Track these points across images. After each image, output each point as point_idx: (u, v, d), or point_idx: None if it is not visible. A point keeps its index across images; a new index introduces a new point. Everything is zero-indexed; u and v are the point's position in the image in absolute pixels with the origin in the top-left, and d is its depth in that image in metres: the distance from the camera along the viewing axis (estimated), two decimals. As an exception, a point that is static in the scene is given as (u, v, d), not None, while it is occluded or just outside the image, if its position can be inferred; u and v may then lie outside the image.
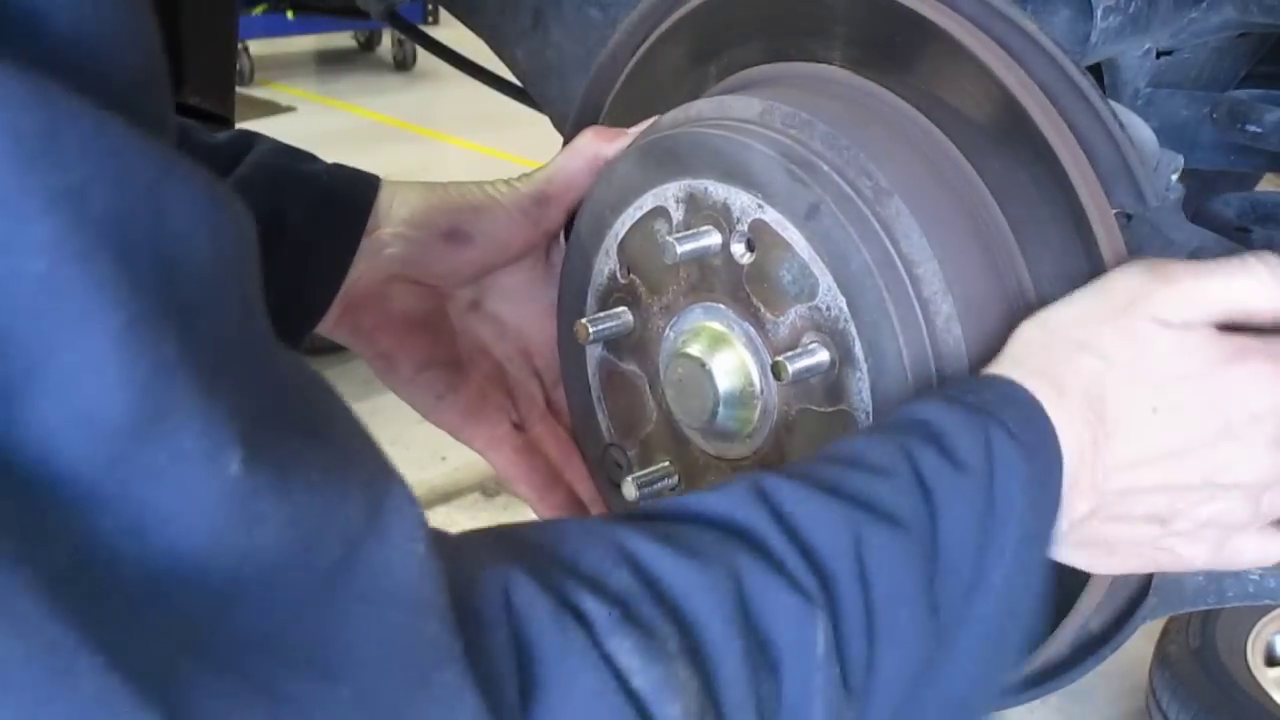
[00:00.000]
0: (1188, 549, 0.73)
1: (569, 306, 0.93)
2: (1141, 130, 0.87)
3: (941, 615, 0.61)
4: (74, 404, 0.36)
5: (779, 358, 0.75)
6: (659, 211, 0.84)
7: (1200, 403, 0.69)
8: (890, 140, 0.78)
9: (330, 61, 8.62)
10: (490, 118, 4.62)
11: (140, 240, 0.38)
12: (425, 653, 0.43)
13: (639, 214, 0.85)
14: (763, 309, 0.79)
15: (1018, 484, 0.64)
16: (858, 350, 0.74)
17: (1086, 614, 0.78)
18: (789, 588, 0.56)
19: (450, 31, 1.86)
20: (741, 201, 0.78)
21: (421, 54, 7.45)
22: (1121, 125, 0.73)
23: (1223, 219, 0.98)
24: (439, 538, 0.47)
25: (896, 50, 0.78)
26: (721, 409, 0.80)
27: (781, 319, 0.78)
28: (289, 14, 7.51)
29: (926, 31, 0.75)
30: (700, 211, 0.81)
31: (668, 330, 0.85)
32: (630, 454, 0.91)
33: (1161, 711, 2.24)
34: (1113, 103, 0.75)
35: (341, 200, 0.89)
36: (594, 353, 0.92)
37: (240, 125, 2.10)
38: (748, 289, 0.79)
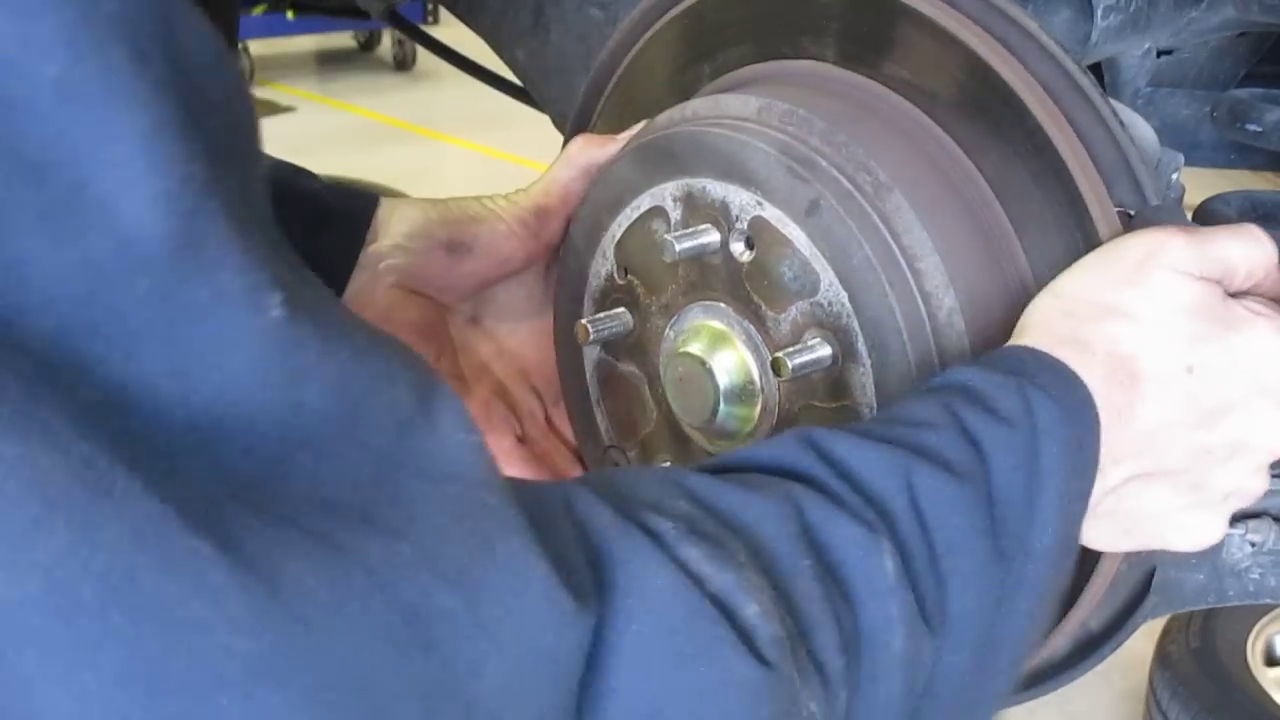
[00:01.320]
0: (1205, 525, 0.71)
1: (566, 309, 0.93)
2: (1142, 129, 0.87)
3: (1005, 567, 0.60)
4: (113, 230, 0.35)
5: (779, 354, 0.75)
6: (656, 211, 0.84)
7: (1231, 359, 0.68)
8: (888, 135, 0.78)
9: (330, 61, 8.62)
10: (490, 118, 4.62)
11: (152, 48, 0.36)
12: (488, 521, 0.42)
13: (636, 214, 0.85)
14: (763, 306, 0.79)
15: (1059, 444, 0.62)
16: (860, 345, 0.74)
17: (1088, 609, 0.78)
18: (850, 519, 0.55)
19: (450, 31, 1.86)
20: (740, 199, 0.78)
21: (421, 54, 7.46)
22: (1122, 124, 0.73)
23: (1223, 218, 0.98)
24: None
25: (893, 46, 0.78)
26: (722, 406, 0.80)
27: (783, 316, 0.78)
28: (289, 14, 7.51)
29: (921, 26, 0.75)
30: (698, 210, 0.81)
31: (668, 330, 0.85)
32: (630, 455, 0.91)
33: (1161, 711, 2.24)
34: (1113, 102, 0.75)
35: (340, 215, 0.90)
36: (591, 355, 0.92)
37: (240, 125, 2.10)
38: (748, 287, 0.79)
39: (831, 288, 0.75)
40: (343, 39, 8.75)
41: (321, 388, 0.39)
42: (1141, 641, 2.14)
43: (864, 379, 0.75)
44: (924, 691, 0.57)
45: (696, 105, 0.84)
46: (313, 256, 0.90)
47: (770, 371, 0.79)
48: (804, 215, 0.75)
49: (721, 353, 0.81)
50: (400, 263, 0.89)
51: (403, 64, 8.08)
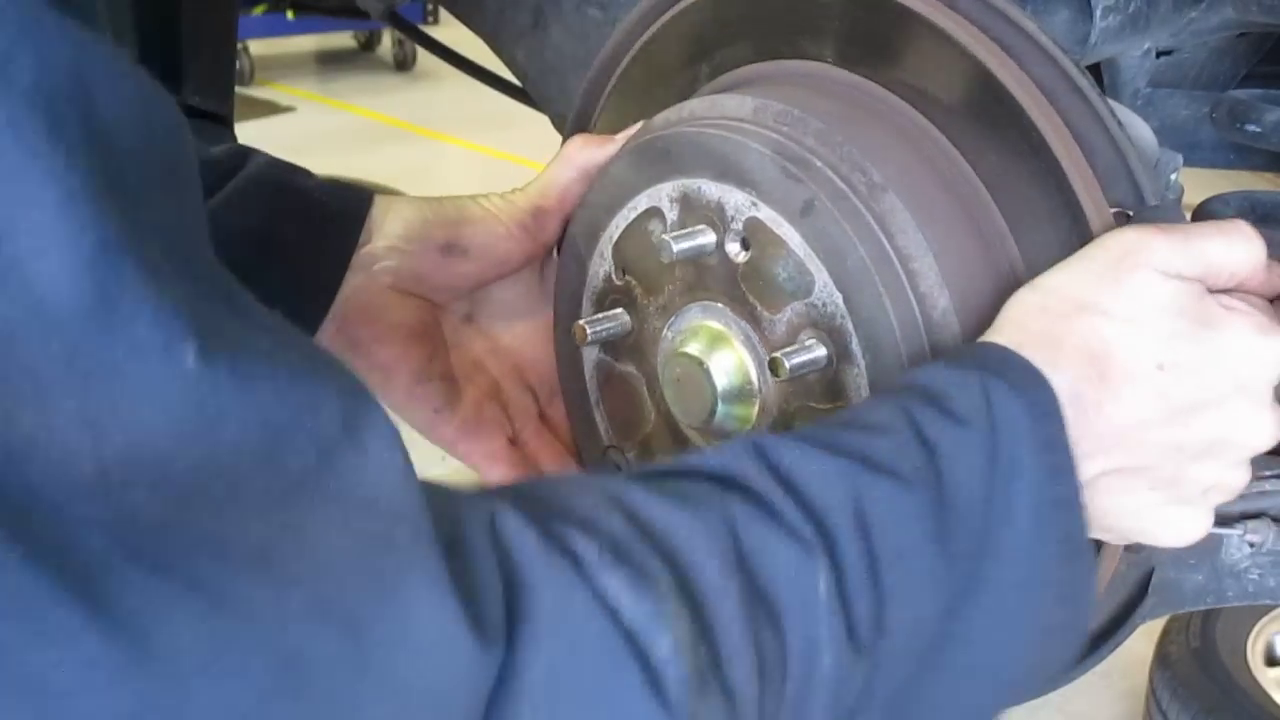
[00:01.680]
0: (1187, 520, 0.71)
1: (565, 310, 0.93)
2: (1141, 130, 0.87)
3: (957, 571, 0.60)
4: (27, 292, 0.36)
5: (776, 353, 0.75)
6: (653, 212, 0.84)
7: (1205, 357, 0.68)
8: (884, 135, 0.78)
9: (330, 61, 8.62)
10: (490, 118, 4.62)
11: (69, 116, 0.37)
12: (392, 557, 0.42)
13: (633, 215, 0.85)
14: (759, 307, 0.79)
15: (1024, 441, 0.62)
16: (855, 346, 0.74)
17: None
18: (787, 538, 0.55)
19: (450, 31, 1.86)
20: (736, 199, 0.78)
21: (421, 54, 7.46)
22: (1121, 125, 0.73)
23: (1221, 218, 0.98)
24: (425, 481, 0.46)
25: (889, 46, 0.78)
26: (720, 407, 0.80)
27: (778, 317, 0.78)
28: (289, 14, 7.51)
29: (918, 26, 0.75)
30: (694, 211, 0.81)
31: (666, 330, 0.85)
32: (629, 455, 0.91)
33: (1161, 711, 2.24)
34: (1112, 102, 0.75)
35: (334, 214, 0.89)
36: (591, 355, 0.92)
37: (240, 125, 2.11)
38: (743, 287, 0.79)
39: (826, 288, 0.75)
40: (343, 39, 8.75)
41: (239, 426, 0.39)
42: (1141, 642, 2.14)
43: (859, 380, 0.75)
44: (853, 708, 0.57)
45: (693, 105, 0.84)
46: (306, 256, 0.90)
47: (768, 372, 0.79)
48: (799, 215, 0.75)
49: (719, 353, 0.81)
50: (395, 264, 0.89)
51: (403, 64, 8.08)
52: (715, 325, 0.81)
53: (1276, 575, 0.88)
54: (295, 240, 0.88)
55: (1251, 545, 0.87)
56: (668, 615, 0.49)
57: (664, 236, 0.80)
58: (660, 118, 0.86)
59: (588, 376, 0.93)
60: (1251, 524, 0.87)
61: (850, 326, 0.74)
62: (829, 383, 0.76)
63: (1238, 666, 2.24)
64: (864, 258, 0.73)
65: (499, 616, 0.45)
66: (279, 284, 0.86)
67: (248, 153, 0.91)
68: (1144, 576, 0.85)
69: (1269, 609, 2.37)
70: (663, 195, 0.83)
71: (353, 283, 0.89)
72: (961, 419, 0.62)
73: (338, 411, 0.43)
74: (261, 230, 0.87)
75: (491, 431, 0.96)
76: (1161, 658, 2.29)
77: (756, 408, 0.80)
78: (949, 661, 0.61)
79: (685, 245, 0.79)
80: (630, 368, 0.89)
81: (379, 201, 0.91)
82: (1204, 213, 0.99)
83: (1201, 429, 0.68)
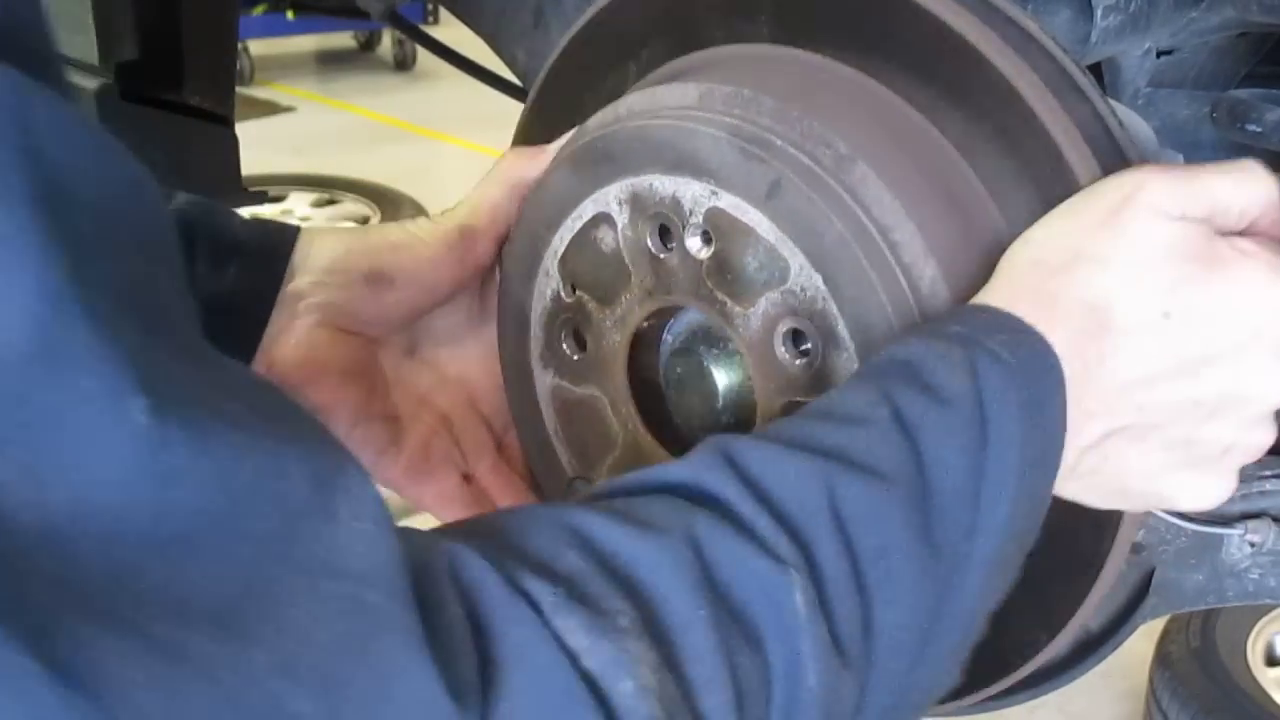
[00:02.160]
0: (1207, 484, 0.67)
1: (511, 338, 0.87)
2: (1142, 129, 0.87)
3: (944, 559, 0.57)
4: None
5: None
6: (601, 218, 0.78)
7: (1215, 303, 0.63)
8: (843, 106, 0.73)
9: (330, 61, 8.62)
10: (490, 118, 4.61)
11: (9, 162, 0.36)
12: (362, 621, 0.41)
13: (579, 224, 0.80)
14: (729, 304, 0.74)
15: (1011, 411, 0.59)
16: (841, 329, 0.69)
17: (1091, 608, 0.76)
18: (758, 552, 0.52)
19: (450, 31, 1.86)
20: (692, 191, 0.73)
21: (421, 54, 7.46)
22: (1122, 124, 0.73)
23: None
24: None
25: (827, 14, 0.74)
26: (722, 405, 0.78)
27: (752, 311, 0.72)
28: (289, 14, 7.50)
29: None
30: (647, 210, 0.76)
31: (665, 334, 0.82)
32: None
33: (1161, 711, 2.24)
34: (1113, 102, 0.74)
35: (254, 253, 0.84)
36: (545, 381, 0.87)
37: (240, 125, 2.10)
38: (710, 285, 0.74)
39: (803, 272, 0.70)
40: (343, 39, 8.74)
41: (194, 486, 0.38)
42: (1141, 641, 2.15)
43: (849, 364, 0.70)
44: (854, 712, 0.55)
45: (630, 101, 0.78)
46: (227, 297, 0.86)
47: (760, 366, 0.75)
48: (764, 198, 0.70)
49: (720, 351, 0.78)
50: (321, 300, 0.84)
51: (403, 64, 8.08)
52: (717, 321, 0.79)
53: (1277, 575, 0.88)
54: (210, 280, 0.82)
55: (1252, 545, 0.87)
56: (629, 656, 0.47)
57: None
58: (594, 120, 0.80)
59: (543, 405, 0.87)
60: (1252, 524, 0.87)
61: (834, 309, 0.69)
62: (816, 373, 0.72)
63: (1238, 666, 2.25)
64: (842, 233, 0.68)
65: (473, 674, 0.44)
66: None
67: (170, 193, 0.85)
68: (1145, 576, 0.85)
69: (1269, 609, 2.37)
70: (610, 199, 0.77)
71: (279, 323, 0.83)
72: (945, 398, 0.58)
73: (306, 477, 0.42)
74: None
75: (442, 470, 0.90)
76: (1161, 658, 2.30)
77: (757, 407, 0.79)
78: (938, 646, 0.59)
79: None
80: (591, 390, 0.84)
81: (304, 236, 0.86)
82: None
83: (1214, 382, 0.64)
